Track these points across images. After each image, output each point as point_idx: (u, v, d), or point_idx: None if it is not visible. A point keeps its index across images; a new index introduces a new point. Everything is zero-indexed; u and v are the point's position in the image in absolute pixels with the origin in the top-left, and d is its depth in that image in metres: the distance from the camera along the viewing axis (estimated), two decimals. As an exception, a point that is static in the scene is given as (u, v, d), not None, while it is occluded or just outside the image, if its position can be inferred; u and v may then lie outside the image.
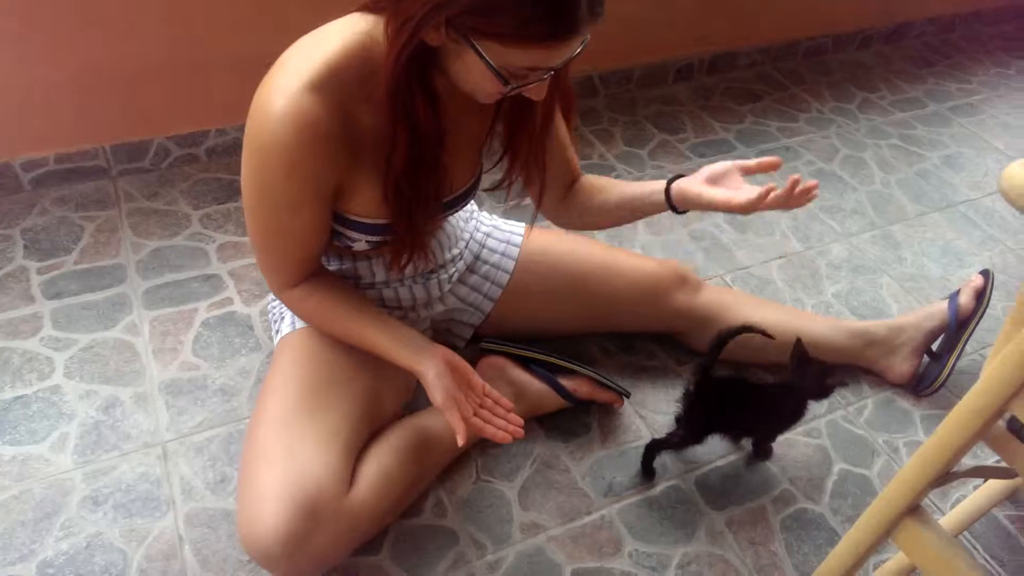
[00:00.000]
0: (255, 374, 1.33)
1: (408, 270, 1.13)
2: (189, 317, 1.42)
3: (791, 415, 1.24)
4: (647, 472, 1.25)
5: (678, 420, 1.21)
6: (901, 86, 2.44)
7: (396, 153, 0.90)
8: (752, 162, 1.01)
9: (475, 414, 0.99)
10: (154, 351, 1.35)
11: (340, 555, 1.01)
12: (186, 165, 1.75)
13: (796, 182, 0.95)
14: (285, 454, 0.98)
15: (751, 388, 1.21)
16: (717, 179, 1.03)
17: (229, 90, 1.65)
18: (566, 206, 1.20)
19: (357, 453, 1.05)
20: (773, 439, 1.29)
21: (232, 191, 1.69)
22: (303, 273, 1.03)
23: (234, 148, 1.76)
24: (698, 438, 1.21)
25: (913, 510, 0.80)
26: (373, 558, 1.10)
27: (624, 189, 1.15)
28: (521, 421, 1.02)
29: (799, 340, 1.21)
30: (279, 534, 0.92)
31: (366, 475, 1.03)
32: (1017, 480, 0.93)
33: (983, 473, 0.86)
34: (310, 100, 0.86)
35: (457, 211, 1.14)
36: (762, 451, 1.30)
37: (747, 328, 1.16)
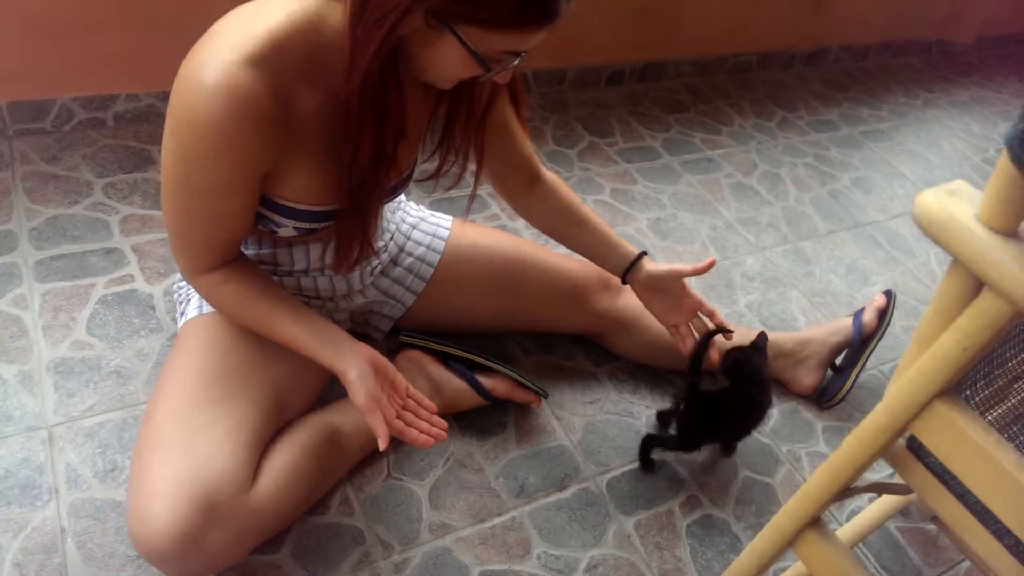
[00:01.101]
0: (154, 357, 1.25)
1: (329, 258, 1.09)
2: (85, 293, 1.32)
3: (762, 416, 1.31)
4: (647, 465, 1.30)
5: (662, 419, 1.32)
6: (818, 108, 2.54)
7: (362, 147, 0.87)
8: (688, 268, 1.20)
9: (397, 416, 0.96)
10: (44, 327, 1.26)
11: (238, 555, 0.96)
12: (91, 130, 1.63)
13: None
14: (183, 445, 0.92)
15: (741, 397, 1.26)
16: (663, 292, 1.24)
17: (145, 52, 1.55)
18: (529, 205, 1.23)
19: (263, 448, 1.00)
20: (742, 439, 1.35)
21: (141, 160, 1.59)
22: (221, 259, 0.97)
23: (145, 115, 1.65)
24: (695, 448, 1.29)
25: (814, 522, 0.83)
26: (272, 556, 1.06)
27: (596, 239, 1.24)
28: (444, 424, 0.99)
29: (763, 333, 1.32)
30: (172, 531, 0.87)
31: (271, 471, 0.99)
32: (911, 496, 0.98)
33: (881, 489, 0.90)
34: (248, 75, 0.80)
35: (390, 200, 1.10)
36: (731, 449, 1.35)
37: (714, 332, 1.23)
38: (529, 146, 1.17)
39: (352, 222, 0.96)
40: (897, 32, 2.91)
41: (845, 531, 1.10)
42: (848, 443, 0.72)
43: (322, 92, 0.87)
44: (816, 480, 0.77)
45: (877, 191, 2.21)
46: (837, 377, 1.51)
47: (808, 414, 1.49)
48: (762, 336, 1.31)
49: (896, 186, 2.25)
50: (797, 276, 1.82)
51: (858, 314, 1.52)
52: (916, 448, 0.75)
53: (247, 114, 0.81)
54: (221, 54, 0.80)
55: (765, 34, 2.53)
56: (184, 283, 1.13)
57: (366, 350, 0.98)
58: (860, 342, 1.49)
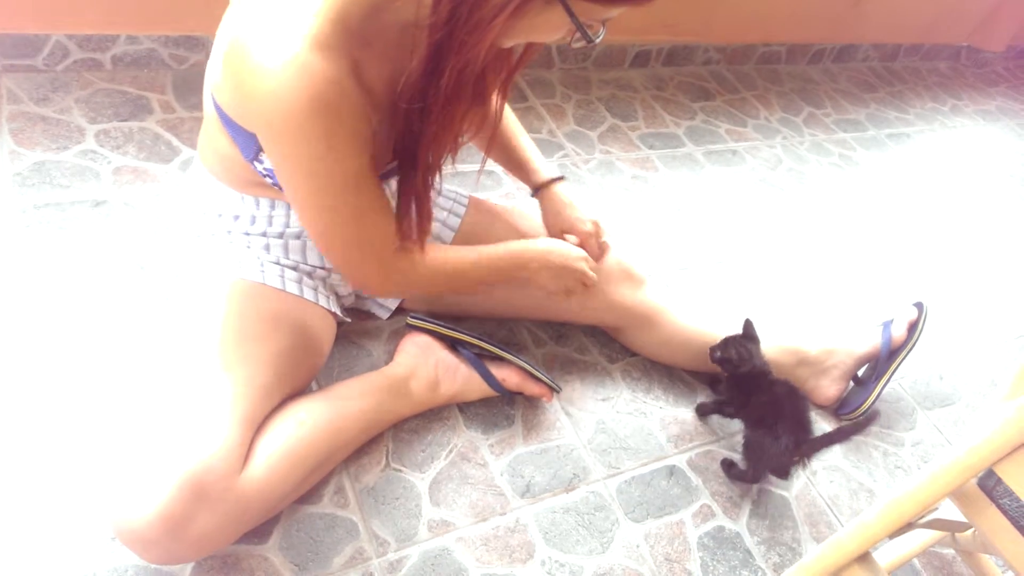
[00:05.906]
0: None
1: None
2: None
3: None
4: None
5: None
6: (845, 106, 2.45)
7: (453, 121, 0.85)
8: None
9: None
10: (22, 281, 1.16)
11: (224, 541, 0.88)
12: (87, 71, 1.52)
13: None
14: (172, 416, 0.84)
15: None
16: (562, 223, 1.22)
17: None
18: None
19: (256, 427, 0.92)
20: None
21: (137, 108, 1.47)
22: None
23: (146, 60, 1.54)
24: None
25: (862, 557, 0.75)
26: (259, 547, 0.98)
27: (513, 150, 1.21)
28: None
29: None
30: (155, 513, 0.78)
31: (265, 452, 0.90)
32: (967, 533, 0.90)
33: (941, 526, 0.82)
34: (320, 60, 0.73)
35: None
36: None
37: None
38: None
39: (420, 192, 0.92)
40: (929, 35, 2.82)
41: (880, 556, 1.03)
42: (922, 480, 0.65)
43: (390, 67, 0.82)
44: (877, 516, 0.69)
45: (902, 197, 2.13)
46: (859, 389, 1.44)
47: (826, 426, 1.41)
48: (748, 323, 1.28)
49: (921, 193, 2.17)
50: (819, 280, 1.74)
51: (887, 325, 1.45)
52: (990, 488, 0.67)
53: (335, 98, 0.75)
54: (283, 44, 0.73)
55: (798, 25, 2.43)
56: (207, 241, 1.03)
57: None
58: (887, 355, 1.42)
